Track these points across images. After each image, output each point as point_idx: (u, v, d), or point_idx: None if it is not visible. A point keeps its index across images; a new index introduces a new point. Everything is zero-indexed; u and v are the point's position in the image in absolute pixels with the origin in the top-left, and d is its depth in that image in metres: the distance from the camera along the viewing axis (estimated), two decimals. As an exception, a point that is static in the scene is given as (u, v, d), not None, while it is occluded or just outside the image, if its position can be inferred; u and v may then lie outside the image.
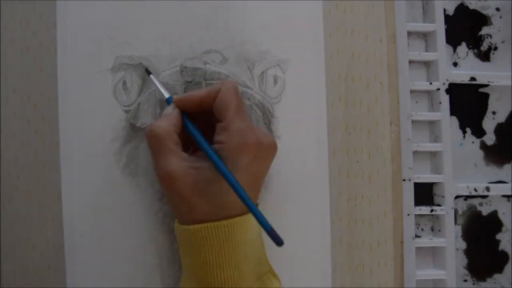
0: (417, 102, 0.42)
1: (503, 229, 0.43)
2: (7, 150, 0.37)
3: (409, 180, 0.40)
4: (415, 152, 0.41)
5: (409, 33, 0.41)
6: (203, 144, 0.30)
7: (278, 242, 0.27)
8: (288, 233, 0.38)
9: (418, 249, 0.40)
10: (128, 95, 0.37)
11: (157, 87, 0.34)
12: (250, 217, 0.30)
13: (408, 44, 0.41)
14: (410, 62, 0.41)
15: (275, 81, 0.38)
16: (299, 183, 0.38)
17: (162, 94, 0.34)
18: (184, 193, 0.29)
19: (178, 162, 0.29)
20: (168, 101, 0.33)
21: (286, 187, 0.38)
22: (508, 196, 0.43)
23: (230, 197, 0.29)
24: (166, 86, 0.37)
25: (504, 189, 0.42)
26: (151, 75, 0.35)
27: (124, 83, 0.37)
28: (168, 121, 0.31)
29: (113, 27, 0.37)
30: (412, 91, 0.41)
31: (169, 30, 0.38)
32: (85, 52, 0.37)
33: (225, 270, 0.29)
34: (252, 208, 0.28)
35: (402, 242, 0.40)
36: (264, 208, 0.38)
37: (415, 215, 0.40)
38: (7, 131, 0.37)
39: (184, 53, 0.38)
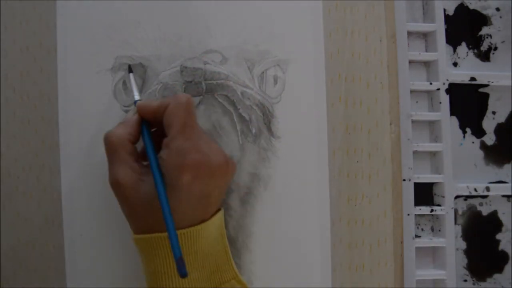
0: (417, 102, 0.42)
1: (503, 229, 0.43)
2: (7, 150, 0.37)
3: (409, 180, 0.40)
4: (415, 152, 0.41)
5: (409, 33, 0.41)
6: (150, 157, 0.30)
7: (181, 272, 0.27)
8: (288, 233, 0.38)
9: (418, 249, 0.40)
10: (128, 95, 0.37)
11: (132, 87, 0.34)
12: (201, 228, 0.30)
13: (408, 44, 0.41)
14: (410, 62, 0.41)
15: (275, 81, 0.38)
16: (299, 183, 0.38)
17: (133, 96, 0.34)
18: (130, 203, 0.29)
19: (127, 172, 0.29)
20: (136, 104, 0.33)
21: (286, 187, 0.38)
22: (508, 196, 0.43)
23: (181, 210, 0.29)
24: (166, 86, 0.37)
25: (504, 189, 0.42)
26: (130, 74, 0.35)
27: (124, 83, 0.37)
28: (124, 128, 0.31)
29: (113, 27, 0.37)
30: (412, 91, 0.41)
31: (169, 30, 0.38)
32: (85, 52, 0.37)
33: (174, 279, 0.29)
34: (169, 229, 0.28)
35: (402, 242, 0.40)
36: (264, 208, 0.38)
37: (415, 215, 0.40)
38: (7, 131, 0.37)
39: (184, 53, 0.38)
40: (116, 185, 0.30)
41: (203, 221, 0.30)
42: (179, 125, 0.29)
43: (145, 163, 0.31)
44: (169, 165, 0.29)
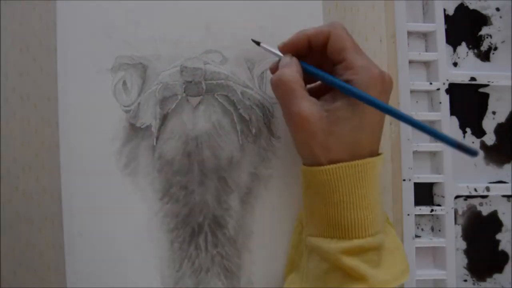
0: (417, 102, 0.42)
1: (503, 229, 0.43)
2: (7, 150, 0.37)
3: (409, 180, 0.40)
4: (415, 152, 0.41)
5: (409, 33, 0.41)
6: (332, 79, 0.30)
7: (472, 152, 0.26)
8: (288, 233, 0.38)
9: (418, 249, 0.40)
10: (128, 95, 0.37)
11: (271, 50, 0.34)
12: (380, 158, 0.31)
13: (408, 44, 0.41)
14: (410, 62, 0.41)
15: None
16: (299, 183, 0.38)
17: (276, 53, 0.34)
18: (319, 135, 0.30)
19: (310, 105, 0.30)
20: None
21: (286, 187, 0.38)
22: (508, 196, 0.43)
23: (363, 136, 0.30)
24: (166, 86, 0.37)
25: (504, 189, 0.42)
26: (262, 44, 0.35)
27: (124, 83, 0.37)
28: (292, 68, 0.31)
29: (113, 27, 0.37)
30: (412, 91, 0.41)
31: (169, 30, 0.38)
32: (85, 52, 0.37)
33: (359, 211, 0.30)
34: (417, 124, 0.28)
35: (402, 242, 0.40)
36: (264, 208, 0.38)
37: (415, 215, 0.40)
38: (7, 131, 0.37)
39: (184, 53, 0.38)
40: (301, 120, 0.30)
41: (377, 152, 0.32)
42: (352, 45, 0.31)
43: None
44: (359, 84, 0.29)
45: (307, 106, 0.30)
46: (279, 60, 0.33)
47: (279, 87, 0.31)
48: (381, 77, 0.30)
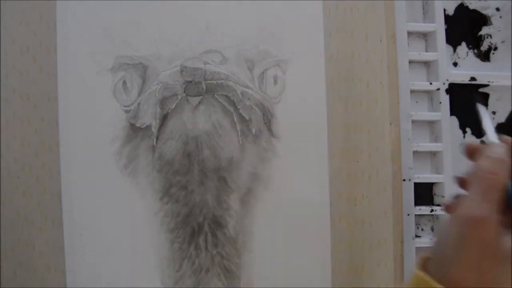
0: (417, 102, 0.42)
1: (503, 229, 0.43)
2: (7, 150, 0.37)
3: (409, 180, 0.40)
4: (415, 152, 0.41)
5: (409, 33, 0.41)
6: None
7: None
8: (288, 234, 0.38)
9: (418, 249, 0.40)
10: (128, 95, 0.37)
11: (487, 125, 0.29)
12: None
13: (408, 44, 0.41)
14: (410, 62, 0.41)
15: (275, 81, 0.38)
16: (299, 183, 0.38)
17: (489, 135, 0.28)
18: (483, 249, 0.25)
19: (496, 219, 0.24)
20: None
21: (286, 187, 0.38)
22: (508, 196, 0.43)
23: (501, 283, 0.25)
24: (166, 86, 0.37)
25: (504, 189, 0.42)
26: (482, 108, 0.31)
27: (124, 83, 0.37)
28: (506, 168, 0.25)
29: (113, 27, 0.37)
30: (412, 91, 0.41)
31: (169, 30, 0.38)
32: (85, 52, 0.37)
33: None
34: None
35: (402, 242, 0.40)
36: (264, 208, 0.38)
37: (415, 215, 0.40)
38: (7, 131, 0.37)
39: (184, 53, 0.37)
40: (481, 223, 0.24)
41: None
42: None
43: None
44: None
45: (495, 217, 0.24)
46: (482, 142, 0.28)
47: (487, 178, 0.25)
48: None
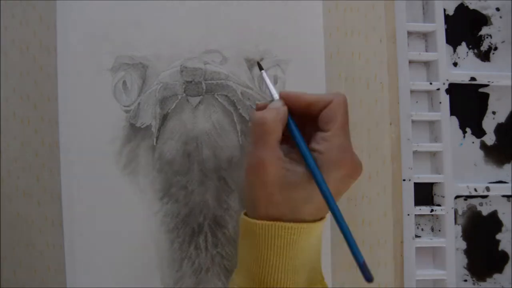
0: (417, 102, 0.42)
1: (503, 229, 0.43)
2: (7, 150, 0.37)
3: (409, 180, 0.40)
4: (415, 152, 0.41)
5: (409, 33, 0.41)
6: (303, 149, 0.30)
7: (368, 277, 0.27)
8: (288, 233, 0.38)
9: (418, 249, 0.40)
10: (128, 95, 0.37)
11: (268, 85, 0.33)
12: (318, 225, 0.31)
13: (408, 44, 0.41)
14: (410, 62, 0.41)
15: (275, 81, 0.38)
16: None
17: (272, 94, 0.33)
18: (269, 187, 0.30)
19: (274, 158, 0.30)
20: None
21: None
22: (508, 196, 0.43)
23: (307, 206, 0.30)
24: (166, 86, 0.37)
25: (504, 189, 0.42)
26: (263, 71, 0.34)
27: (124, 83, 0.37)
28: (277, 115, 0.31)
29: (113, 27, 0.37)
30: (412, 91, 0.41)
31: (169, 30, 0.38)
32: (85, 52, 0.37)
33: (283, 272, 0.30)
34: (344, 231, 0.28)
35: (402, 242, 0.40)
36: (264, 208, 0.38)
37: (415, 215, 0.40)
38: (7, 131, 0.37)
39: (184, 53, 0.38)
40: (260, 166, 0.30)
41: (322, 218, 0.31)
42: (341, 122, 0.30)
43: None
44: (328, 159, 0.30)
45: (272, 157, 0.30)
46: (271, 101, 0.32)
47: (257, 126, 0.30)
48: (350, 163, 0.30)
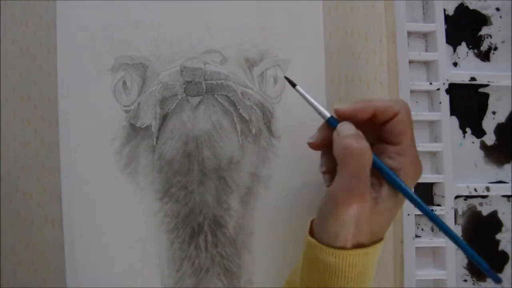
0: (417, 102, 0.42)
1: (503, 229, 0.43)
2: (7, 150, 0.37)
3: (409, 180, 0.40)
4: (415, 152, 0.41)
5: (409, 33, 0.41)
6: (385, 168, 0.29)
7: (497, 280, 0.28)
8: (288, 233, 0.38)
9: (418, 249, 0.40)
10: (128, 95, 0.37)
11: (313, 104, 0.31)
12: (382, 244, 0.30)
13: (408, 44, 0.41)
14: (410, 62, 0.41)
15: (275, 81, 0.38)
16: (299, 183, 0.38)
17: (322, 113, 0.31)
18: (359, 223, 0.28)
19: (368, 195, 0.28)
20: (330, 121, 0.31)
21: (286, 187, 0.38)
22: (508, 196, 0.43)
23: (388, 226, 0.30)
24: (166, 86, 0.37)
25: (504, 189, 0.42)
26: (297, 87, 0.32)
27: (124, 83, 0.37)
28: (366, 143, 0.28)
29: (113, 27, 0.37)
30: (412, 91, 0.41)
31: (169, 30, 0.38)
32: (85, 52, 0.37)
33: None
34: (461, 243, 0.29)
35: (402, 242, 0.40)
36: (264, 208, 0.38)
37: (415, 215, 0.40)
38: (7, 131, 0.37)
39: (184, 53, 0.38)
40: (358, 203, 0.28)
41: (381, 239, 0.30)
42: (412, 133, 0.29)
43: None
44: (405, 175, 0.29)
45: (368, 191, 0.28)
46: (324, 125, 0.31)
47: (357, 158, 0.27)
48: (420, 171, 0.30)
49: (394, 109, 0.29)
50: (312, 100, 0.31)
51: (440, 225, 0.29)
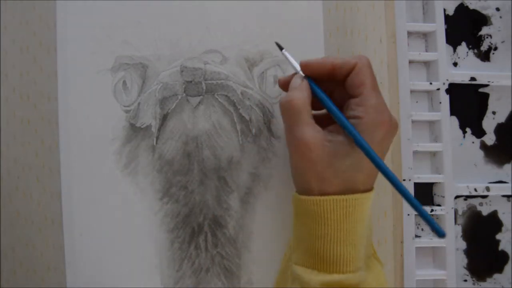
0: (417, 102, 0.42)
1: (503, 229, 0.43)
2: (7, 150, 0.37)
3: (409, 180, 0.40)
4: (415, 152, 0.41)
5: (409, 33, 0.41)
6: (340, 116, 0.30)
7: (440, 233, 0.28)
8: (288, 233, 0.38)
9: (418, 249, 0.40)
10: (128, 95, 0.37)
11: (291, 61, 0.33)
12: (370, 195, 0.31)
13: (408, 44, 0.41)
14: (410, 62, 0.41)
15: (275, 81, 0.38)
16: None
17: (294, 67, 0.32)
18: (317, 164, 0.30)
19: (314, 133, 0.30)
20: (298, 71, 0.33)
21: (286, 187, 0.38)
22: (508, 196, 0.43)
23: (359, 173, 0.30)
24: (166, 86, 0.37)
25: (504, 189, 0.42)
26: (284, 51, 0.34)
27: (124, 83, 0.37)
28: (302, 92, 0.31)
29: (113, 27, 0.37)
30: (412, 91, 0.41)
31: (169, 30, 0.38)
32: (85, 52, 0.37)
33: (342, 245, 0.30)
34: (402, 190, 0.28)
35: (402, 242, 0.40)
36: (265, 208, 0.38)
37: (415, 215, 0.40)
38: (7, 131, 0.37)
39: (184, 53, 0.38)
40: (303, 146, 0.30)
41: (372, 188, 0.32)
42: (371, 83, 0.30)
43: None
44: (367, 122, 0.29)
45: (311, 133, 0.30)
46: (293, 74, 0.33)
47: (287, 110, 0.31)
48: (389, 122, 0.30)
49: (350, 62, 0.30)
50: (292, 60, 0.33)
51: (385, 172, 0.29)
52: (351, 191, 0.30)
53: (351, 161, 0.30)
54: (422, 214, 0.28)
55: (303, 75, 0.32)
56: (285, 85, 0.33)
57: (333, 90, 0.32)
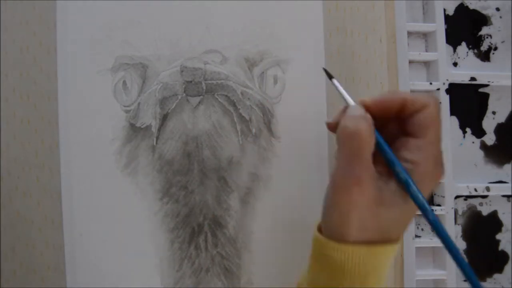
0: (417, 102, 0.42)
1: (503, 229, 0.43)
2: (7, 150, 0.37)
3: (409, 180, 0.40)
4: (415, 152, 0.41)
5: (409, 33, 0.41)
6: (396, 162, 0.26)
7: None
8: (288, 233, 0.38)
9: (418, 249, 0.40)
10: (128, 95, 0.37)
11: (342, 93, 0.29)
12: (397, 246, 0.28)
13: (408, 44, 0.41)
14: (410, 62, 0.41)
15: (275, 81, 0.38)
16: (299, 183, 0.38)
17: (347, 101, 0.29)
18: (362, 211, 0.26)
19: (370, 176, 0.26)
20: None
21: (286, 187, 0.38)
22: (508, 196, 0.43)
23: (401, 223, 0.28)
24: (166, 86, 0.37)
25: (504, 189, 0.42)
26: (333, 80, 0.30)
27: (124, 83, 0.37)
28: (367, 125, 0.26)
29: (113, 27, 0.37)
30: (412, 91, 0.41)
31: (169, 30, 0.38)
32: (85, 52, 0.37)
33: None
34: (461, 262, 0.25)
35: (402, 242, 0.40)
36: (264, 208, 0.38)
37: (415, 215, 0.40)
38: (7, 131, 0.37)
39: (184, 53, 0.38)
40: (355, 185, 0.26)
41: (395, 241, 0.28)
42: (439, 130, 0.27)
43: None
44: (424, 172, 0.26)
45: (368, 175, 0.26)
46: (344, 109, 0.28)
47: (351, 140, 0.26)
48: (442, 171, 0.27)
49: (423, 101, 0.27)
50: (344, 92, 0.29)
51: (437, 227, 0.26)
52: (383, 241, 0.27)
53: (397, 213, 0.27)
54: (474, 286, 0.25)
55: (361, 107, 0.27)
56: (335, 125, 0.28)
57: (383, 125, 0.28)
